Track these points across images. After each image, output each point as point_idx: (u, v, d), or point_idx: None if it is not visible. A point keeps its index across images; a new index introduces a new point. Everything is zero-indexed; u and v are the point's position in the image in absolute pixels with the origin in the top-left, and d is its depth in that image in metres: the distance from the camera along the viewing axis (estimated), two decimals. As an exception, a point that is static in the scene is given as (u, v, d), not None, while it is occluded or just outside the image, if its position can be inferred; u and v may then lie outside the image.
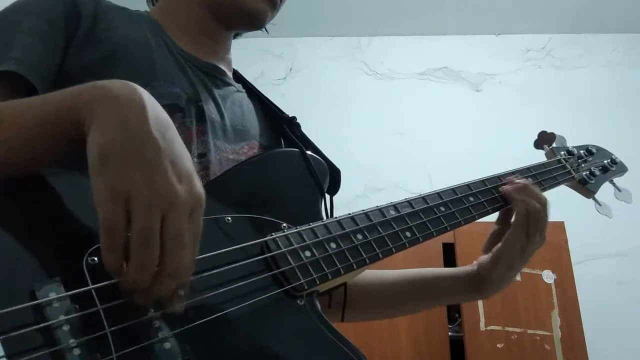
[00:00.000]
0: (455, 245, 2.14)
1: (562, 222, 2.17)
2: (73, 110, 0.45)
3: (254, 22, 0.76)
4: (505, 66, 3.06)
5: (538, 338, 2.01)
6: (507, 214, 0.80)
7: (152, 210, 0.40)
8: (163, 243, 0.40)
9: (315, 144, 0.75)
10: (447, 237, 2.10)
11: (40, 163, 0.48)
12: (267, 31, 0.84)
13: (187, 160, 0.44)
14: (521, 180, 0.78)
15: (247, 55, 2.79)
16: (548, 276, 2.12)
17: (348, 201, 2.44)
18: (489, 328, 2.02)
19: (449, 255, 2.14)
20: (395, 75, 3.10)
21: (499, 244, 0.76)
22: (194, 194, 0.43)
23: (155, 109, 0.45)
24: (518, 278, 1.96)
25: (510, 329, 2.02)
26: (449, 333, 2.09)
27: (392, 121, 2.95)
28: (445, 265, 2.13)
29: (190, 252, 0.43)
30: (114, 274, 0.41)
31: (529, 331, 2.03)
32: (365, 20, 3.07)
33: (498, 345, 1.99)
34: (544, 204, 0.75)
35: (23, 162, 0.47)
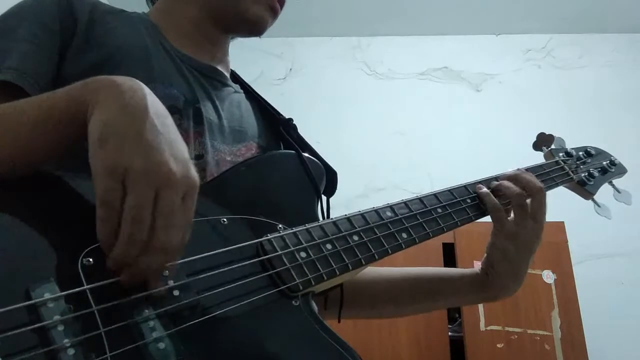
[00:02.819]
0: (455, 245, 2.14)
1: (562, 222, 2.17)
2: (77, 100, 0.47)
3: (255, 29, 0.76)
4: (505, 66, 3.06)
5: (538, 338, 2.01)
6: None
7: (147, 186, 0.41)
8: (154, 218, 0.41)
9: (314, 144, 0.75)
10: (447, 237, 2.10)
11: (44, 157, 0.49)
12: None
13: (183, 148, 0.46)
14: (512, 171, 0.77)
15: (247, 55, 2.80)
16: (548, 276, 2.12)
17: (348, 201, 2.44)
18: (489, 328, 2.02)
19: (449, 255, 2.14)
20: (395, 75, 3.10)
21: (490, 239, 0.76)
22: (188, 176, 0.44)
23: (155, 101, 0.47)
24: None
25: (510, 329, 2.02)
26: (449, 333, 2.09)
27: (392, 121, 2.95)
28: (445, 265, 2.13)
29: (180, 234, 0.44)
30: (106, 249, 0.42)
31: (529, 331, 2.02)
32: (365, 20, 3.07)
33: (498, 345, 1.99)
34: (528, 187, 0.73)
35: (27, 156, 0.48)
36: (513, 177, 0.76)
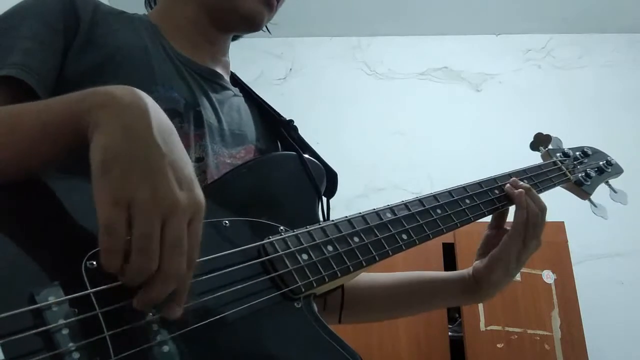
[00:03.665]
0: (455, 245, 2.14)
1: (562, 222, 2.17)
2: (75, 117, 0.45)
3: (251, 24, 0.76)
4: (505, 66, 3.06)
5: (538, 338, 2.01)
6: (500, 219, 0.80)
7: (153, 216, 0.40)
8: (162, 249, 0.41)
9: (313, 145, 0.76)
10: (447, 237, 2.08)
11: (39, 169, 0.48)
12: (269, 31, 0.84)
13: (188, 167, 0.45)
14: (524, 184, 0.78)
15: (247, 55, 2.80)
16: (548, 276, 2.12)
17: (348, 201, 2.44)
18: (489, 328, 2.02)
19: (449, 255, 2.14)
20: (395, 75, 3.10)
21: (495, 249, 0.77)
22: (194, 200, 0.43)
23: (157, 114, 0.45)
24: (518, 278, 1.97)
25: (510, 329, 2.03)
26: (449, 333, 2.09)
27: (392, 121, 2.95)
28: (445, 265, 2.14)
29: (188, 259, 0.43)
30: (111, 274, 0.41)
31: (529, 331, 2.03)
32: (365, 20, 3.07)
33: (498, 345, 1.99)
34: (543, 209, 0.76)
35: (23, 168, 0.47)
36: (528, 191, 0.77)
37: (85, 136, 0.43)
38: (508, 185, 0.78)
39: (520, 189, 0.77)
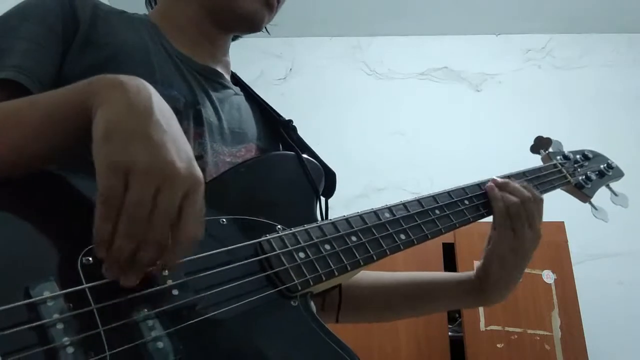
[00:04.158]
0: (455, 246, 2.14)
1: (562, 222, 2.17)
2: (83, 99, 0.46)
3: (251, 24, 0.76)
4: (505, 66, 3.06)
5: (538, 338, 2.01)
6: None
7: (149, 183, 0.41)
8: (150, 215, 0.41)
9: (313, 145, 0.76)
10: (447, 237, 2.08)
11: (43, 161, 0.49)
12: (268, 32, 0.84)
13: (187, 147, 0.46)
14: (501, 180, 0.78)
15: (247, 55, 2.80)
16: (548, 276, 2.12)
17: (348, 201, 2.44)
18: (489, 328, 2.02)
19: (449, 256, 2.14)
20: (395, 75, 3.10)
21: (488, 246, 0.77)
22: (192, 173, 0.44)
23: (160, 100, 0.47)
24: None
25: (510, 329, 2.02)
26: (449, 333, 2.09)
27: (392, 121, 2.95)
28: (445, 265, 2.14)
29: (185, 231, 0.43)
30: (100, 245, 0.41)
31: (529, 331, 2.03)
32: (365, 20, 3.07)
33: (498, 345, 1.99)
34: (524, 198, 0.75)
35: (27, 157, 0.48)
36: (500, 185, 0.76)
37: (89, 118, 0.45)
38: (487, 184, 0.78)
39: (490, 183, 0.77)
